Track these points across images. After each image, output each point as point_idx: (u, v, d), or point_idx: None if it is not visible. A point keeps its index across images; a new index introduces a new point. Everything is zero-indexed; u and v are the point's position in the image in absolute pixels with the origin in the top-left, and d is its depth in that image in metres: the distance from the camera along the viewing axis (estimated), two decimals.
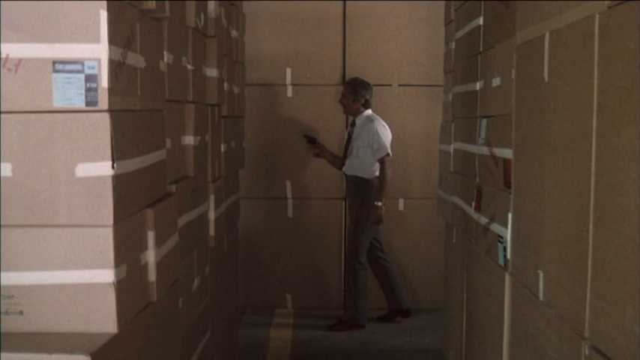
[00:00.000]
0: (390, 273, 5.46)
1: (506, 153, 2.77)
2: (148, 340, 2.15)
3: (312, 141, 5.56)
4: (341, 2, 5.82)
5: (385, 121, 5.31)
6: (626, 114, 1.59)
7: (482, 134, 3.23)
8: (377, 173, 5.25)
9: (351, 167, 5.34)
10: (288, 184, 5.85)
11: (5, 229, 1.81)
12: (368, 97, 5.35)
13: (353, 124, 5.41)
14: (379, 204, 5.18)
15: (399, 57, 5.83)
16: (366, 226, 5.28)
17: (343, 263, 5.79)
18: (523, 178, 2.53)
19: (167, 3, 2.35)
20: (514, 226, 2.66)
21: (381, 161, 5.20)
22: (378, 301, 5.63)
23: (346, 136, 5.50)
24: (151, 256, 2.14)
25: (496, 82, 3.01)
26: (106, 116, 1.81)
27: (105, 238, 1.82)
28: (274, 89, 5.81)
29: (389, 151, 5.19)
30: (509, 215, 2.70)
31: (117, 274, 1.85)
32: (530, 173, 2.41)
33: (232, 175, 4.17)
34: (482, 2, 3.34)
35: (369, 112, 5.37)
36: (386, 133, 5.25)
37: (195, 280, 2.93)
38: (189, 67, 2.86)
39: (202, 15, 3.09)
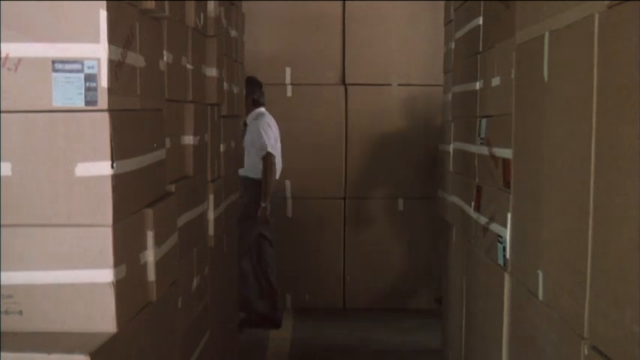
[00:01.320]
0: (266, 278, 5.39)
1: (506, 153, 2.77)
2: (148, 340, 2.15)
3: None
4: (341, 2, 5.83)
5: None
6: (626, 114, 1.59)
7: (482, 134, 3.23)
8: None
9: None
10: (288, 184, 5.84)
11: (5, 229, 1.81)
12: (256, 96, 5.29)
13: (245, 123, 5.34)
14: (264, 204, 5.13)
15: (398, 57, 5.83)
16: (249, 225, 5.17)
17: (343, 262, 5.79)
18: (522, 178, 2.53)
19: (167, 3, 2.35)
20: (513, 226, 2.65)
21: (263, 160, 5.13)
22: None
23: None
24: (150, 256, 2.14)
25: (495, 81, 3.01)
26: (106, 116, 1.81)
27: (104, 238, 1.82)
28: (274, 89, 5.81)
29: (269, 149, 5.10)
30: (509, 215, 2.70)
31: (116, 274, 1.84)
32: (530, 173, 2.41)
33: (232, 174, 4.17)
34: (482, 2, 3.34)
35: (258, 110, 5.31)
36: (270, 131, 5.16)
37: (195, 280, 2.93)
38: (189, 66, 2.86)
39: (202, 15, 3.09)
